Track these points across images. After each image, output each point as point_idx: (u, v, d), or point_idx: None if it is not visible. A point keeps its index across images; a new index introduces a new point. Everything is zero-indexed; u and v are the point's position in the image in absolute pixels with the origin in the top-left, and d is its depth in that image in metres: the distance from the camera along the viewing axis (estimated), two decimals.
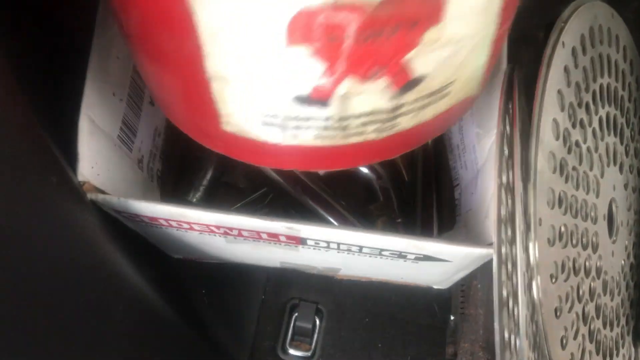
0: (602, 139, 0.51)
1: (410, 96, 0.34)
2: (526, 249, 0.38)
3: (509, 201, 0.39)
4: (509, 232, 0.39)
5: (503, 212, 0.39)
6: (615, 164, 0.53)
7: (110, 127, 0.49)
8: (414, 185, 0.65)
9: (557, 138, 0.44)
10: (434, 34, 0.31)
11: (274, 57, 0.30)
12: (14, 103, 0.37)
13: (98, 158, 0.47)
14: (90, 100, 0.47)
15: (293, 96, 0.33)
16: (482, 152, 0.49)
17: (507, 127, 0.42)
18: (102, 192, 0.46)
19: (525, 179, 0.41)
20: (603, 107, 0.51)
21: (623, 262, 0.55)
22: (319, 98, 0.32)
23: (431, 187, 0.63)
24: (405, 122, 0.37)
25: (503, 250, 0.38)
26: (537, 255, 0.40)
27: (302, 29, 0.29)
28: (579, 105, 0.47)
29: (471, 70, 0.38)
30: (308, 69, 0.31)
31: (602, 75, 0.51)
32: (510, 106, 0.43)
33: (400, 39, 0.30)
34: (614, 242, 0.52)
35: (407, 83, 0.34)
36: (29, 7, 0.44)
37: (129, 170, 0.53)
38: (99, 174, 0.47)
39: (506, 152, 0.41)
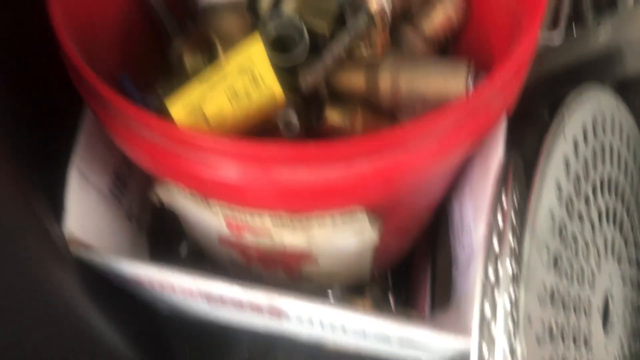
0: (601, 231, 0.50)
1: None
2: (512, 350, 0.36)
3: (496, 296, 0.38)
4: (495, 329, 0.38)
5: (488, 307, 0.38)
6: (613, 255, 0.52)
7: (101, 179, 0.49)
8: (410, 257, 0.63)
9: (553, 230, 0.43)
10: (312, 267, 0.51)
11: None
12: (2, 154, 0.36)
13: (86, 211, 0.46)
14: (82, 152, 0.46)
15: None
16: (477, 236, 0.48)
17: (499, 219, 0.41)
18: (88, 246, 0.45)
19: (516, 273, 0.40)
20: (603, 197, 0.50)
21: (616, 354, 0.53)
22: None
23: (427, 260, 0.61)
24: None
25: (485, 348, 0.37)
26: (525, 354, 0.39)
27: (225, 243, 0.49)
28: (578, 196, 0.46)
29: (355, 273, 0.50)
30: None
31: (603, 165, 0.50)
32: (503, 197, 0.42)
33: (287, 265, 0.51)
34: (607, 335, 0.51)
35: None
36: (24, 62, 0.44)
37: (118, 224, 0.52)
38: (86, 228, 0.46)
39: (496, 246, 0.40)
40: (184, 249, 0.67)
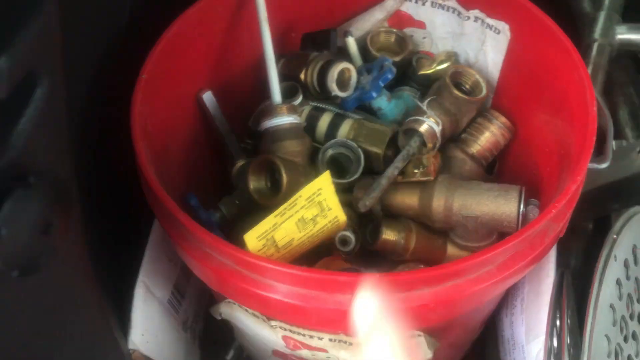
0: None
1: None
2: None
3: None
4: None
5: None
6: None
7: (163, 292, 0.51)
8: None
9: (609, 355, 0.43)
10: None
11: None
12: (86, 278, 0.39)
13: (148, 324, 0.48)
14: (148, 267, 0.49)
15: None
16: (530, 354, 0.48)
17: (555, 341, 0.42)
18: (149, 359, 0.47)
19: None
20: None
21: None
22: None
23: None
24: None
25: None
26: None
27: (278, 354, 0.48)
28: (631, 317, 0.47)
29: None
30: None
31: None
32: (558, 317, 0.42)
33: None
34: None
35: None
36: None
37: (174, 333, 0.54)
38: (148, 341, 0.48)
39: None
40: (230, 355, 0.68)
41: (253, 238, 0.38)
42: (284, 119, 0.48)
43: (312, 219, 0.39)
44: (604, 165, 0.50)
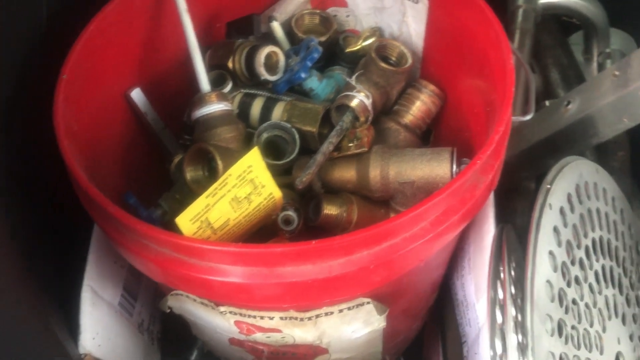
0: (600, 293, 0.51)
1: None
2: None
3: None
4: None
5: None
6: (617, 316, 0.53)
7: (112, 295, 0.50)
8: (421, 337, 0.64)
9: (553, 299, 0.44)
10: (324, 358, 0.51)
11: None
12: (23, 283, 0.38)
13: (99, 328, 0.47)
14: (93, 270, 0.48)
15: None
16: (481, 312, 0.49)
17: (500, 291, 0.42)
18: None
19: (522, 344, 0.41)
20: (597, 260, 0.52)
21: None
22: None
23: (438, 339, 0.62)
24: None
25: None
26: None
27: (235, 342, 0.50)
28: (572, 262, 0.48)
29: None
30: None
31: (593, 230, 0.52)
32: (500, 270, 0.43)
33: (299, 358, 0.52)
34: None
35: None
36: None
37: (130, 336, 0.53)
38: (100, 345, 0.47)
39: (499, 318, 0.41)
40: (193, 355, 0.67)
41: (186, 221, 0.37)
42: (214, 107, 0.48)
43: (246, 197, 0.39)
44: (527, 117, 0.52)
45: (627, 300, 0.55)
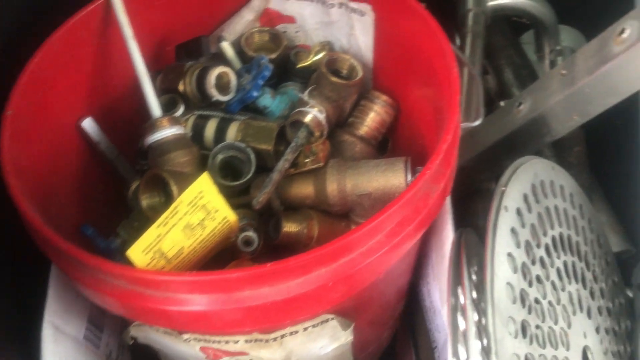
0: (564, 289, 0.52)
1: None
2: None
3: None
4: None
5: None
6: (582, 310, 0.54)
7: (76, 328, 0.49)
8: (393, 346, 0.64)
9: (514, 301, 0.45)
10: None
11: None
12: None
13: None
14: (54, 306, 0.47)
15: None
16: (445, 317, 0.49)
17: (461, 297, 0.43)
18: None
19: (486, 348, 0.41)
20: (559, 257, 0.52)
21: None
22: None
23: (410, 347, 0.62)
24: None
25: None
26: None
27: None
28: (533, 262, 0.49)
29: None
30: None
31: (552, 228, 0.53)
32: (460, 276, 0.44)
33: None
34: None
35: None
36: None
37: None
38: None
39: (462, 325, 0.41)
40: None
41: (138, 252, 0.37)
42: (166, 132, 0.48)
43: (199, 223, 0.39)
44: (477, 123, 0.52)
45: (592, 294, 0.56)
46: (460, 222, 0.54)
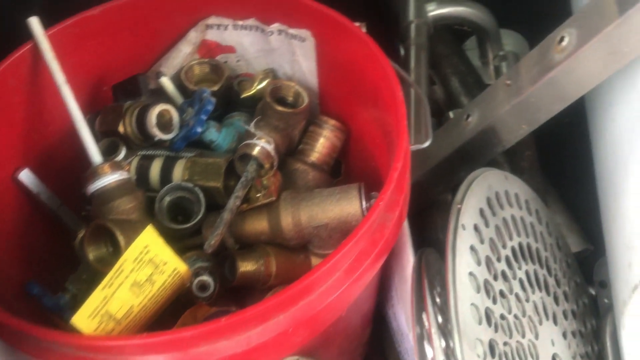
0: (528, 300, 0.52)
1: None
2: None
3: None
4: None
5: None
6: (547, 318, 0.54)
7: None
8: None
9: (480, 321, 0.44)
10: None
11: None
12: None
13: None
14: None
15: None
16: (414, 346, 0.48)
17: (426, 324, 0.42)
18: None
19: None
20: (520, 268, 0.52)
21: None
22: None
23: None
24: None
25: None
26: None
27: None
28: (495, 277, 0.48)
29: None
30: None
31: (511, 239, 0.53)
32: (423, 302, 0.43)
33: None
34: None
35: None
36: None
37: None
38: None
39: (429, 353, 0.40)
40: None
41: (84, 319, 0.35)
42: (108, 178, 0.46)
43: (147, 279, 0.37)
44: (426, 144, 0.52)
45: (556, 299, 0.56)
46: (420, 237, 0.53)
